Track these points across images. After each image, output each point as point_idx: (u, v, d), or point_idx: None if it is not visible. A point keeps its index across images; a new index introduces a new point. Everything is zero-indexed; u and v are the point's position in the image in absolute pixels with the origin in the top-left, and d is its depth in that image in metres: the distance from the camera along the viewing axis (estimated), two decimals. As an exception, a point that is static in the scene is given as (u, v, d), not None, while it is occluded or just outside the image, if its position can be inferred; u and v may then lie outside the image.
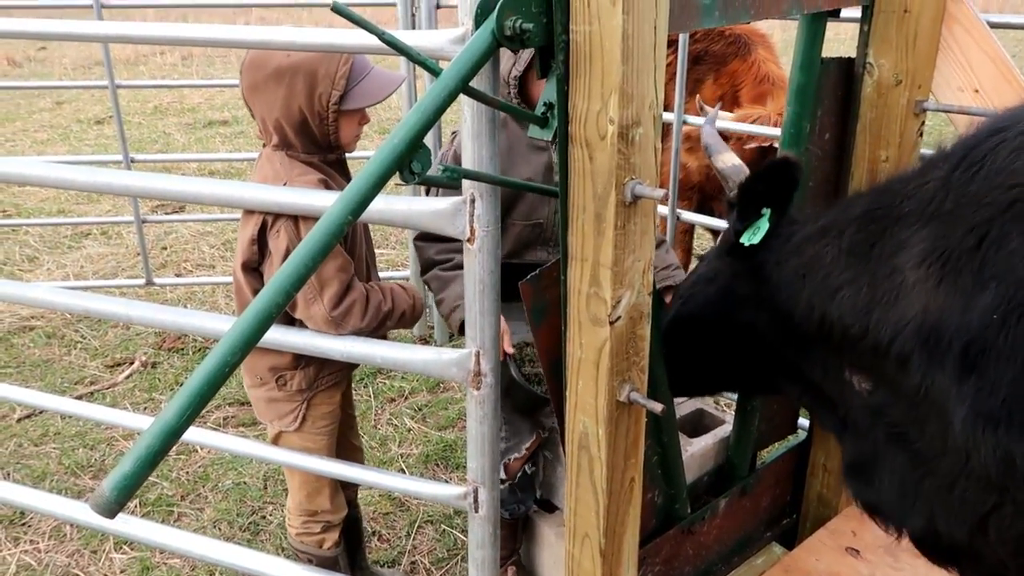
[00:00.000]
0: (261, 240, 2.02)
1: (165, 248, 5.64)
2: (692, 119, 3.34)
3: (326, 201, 1.71)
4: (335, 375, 2.26)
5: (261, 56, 2.00)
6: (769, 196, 1.72)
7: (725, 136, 3.41)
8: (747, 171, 1.92)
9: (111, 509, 1.18)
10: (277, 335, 1.91)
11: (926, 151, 2.36)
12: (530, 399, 2.29)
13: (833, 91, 2.16)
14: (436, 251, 2.33)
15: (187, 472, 3.24)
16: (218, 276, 5.11)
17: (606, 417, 1.59)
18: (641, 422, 1.68)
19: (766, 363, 1.87)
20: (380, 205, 1.68)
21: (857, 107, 2.16)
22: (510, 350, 2.24)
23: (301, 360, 2.17)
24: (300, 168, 2.06)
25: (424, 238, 2.35)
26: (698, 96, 3.61)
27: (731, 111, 3.64)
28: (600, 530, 1.69)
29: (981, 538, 1.39)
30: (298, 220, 1.94)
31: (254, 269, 2.09)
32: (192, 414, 1.22)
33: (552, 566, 2.47)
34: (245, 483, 3.16)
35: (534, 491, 2.49)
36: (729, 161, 1.95)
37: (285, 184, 1.99)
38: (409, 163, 1.38)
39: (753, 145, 3.33)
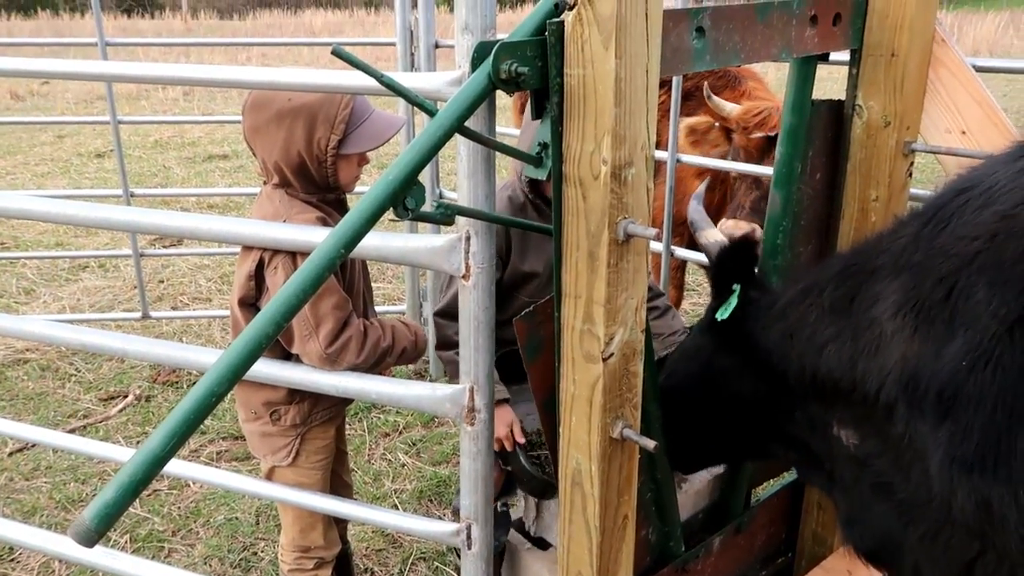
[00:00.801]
0: (259, 276, 2.04)
1: (162, 281, 5.66)
2: (686, 158, 3.38)
3: (323, 238, 1.73)
4: (329, 410, 2.26)
5: (263, 98, 2.03)
6: (736, 272, 1.83)
7: (729, 127, 3.48)
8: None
9: (91, 538, 1.18)
10: (272, 369, 1.92)
11: (915, 191, 2.41)
12: (540, 484, 2.28)
13: (824, 132, 2.20)
14: (455, 331, 2.29)
15: (179, 507, 3.21)
16: (215, 310, 5.11)
17: (599, 454, 1.59)
18: (635, 459, 1.68)
19: (753, 430, 1.90)
20: (376, 241, 1.70)
21: (847, 148, 2.20)
22: (521, 439, 2.26)
23: (296, 395, 2.17)
24: (299, 206, 2.08)
25: (444, 315, 2.34)
26: (704, 85, 3.63)
27: (726, 137, 3.67)
28: (593, 568, 1.69)
29: None
30: (296, 257, 1.95)
31: (251, 305, 2.10)
32: (177, 443, 1.22)
33: (546, 604, 2.44)
34: (237, 518, 3.13)
35: (507, 528, 2.50)
36: (712, 237, 2.04)
37: (284, 222, 2.00)
38: (403, 199, 1.41)
39: (759, 135, 3.37)
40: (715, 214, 4.01)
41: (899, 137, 2.14)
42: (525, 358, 1.73)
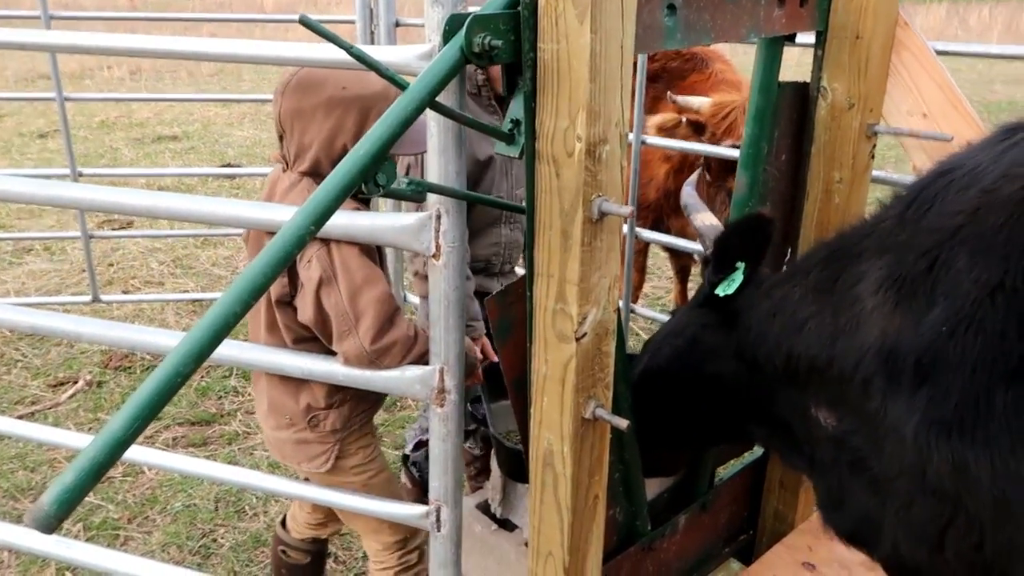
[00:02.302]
0: (291, 272, 1.90)
1: (112, 265, 5.49)
2: (651, 140, 3.38)
3: (361, 221, 1.69)
4: (368, 412, 2.15)
5: (311, 81, 1.90)
6: (743, 250, 1.81)
7: (700, 127, 3.48)
8: (723, 229, 1.99)
9: (50, 524, 1.12)
10: (231, 351, 1.87)
11: (877, 173, 2.44)
12: (519, 463, 2.26)
13: (789, 114, 2.21)
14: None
15: (134, 494, 3.13)
16: (168, 293, 4.99)
17: (571, 434, 1.58)
18: (606, 439, 1.68)
19: (734, 412, 1.90)
20: (344, 220, 1.66)
21: (812, 129, 2.22)
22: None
23: (335, 399, 2.05)
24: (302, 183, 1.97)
25: None
26: (668, 93, 3.64)
27: (686, 130, 3.69)
28: (564, 548, 1.68)
29: (939, 556, 1.42)
30: (330, 246, 1.82)
31: (287, 303, 1.96)
32: (140, 426, 1.17)
33: (513, 586, 2.44)
34: (195, 505, 3.06)
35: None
36: (707, 221, 2.04)
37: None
38: (374, 175, 1.37)
39: (727, 143, 3.38)
40: (664, 217, 4.04)
41: (862, 119, 2.17)
42: (496, 338, 1.71)
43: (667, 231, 3.97)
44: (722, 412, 1.91)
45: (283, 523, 2.45)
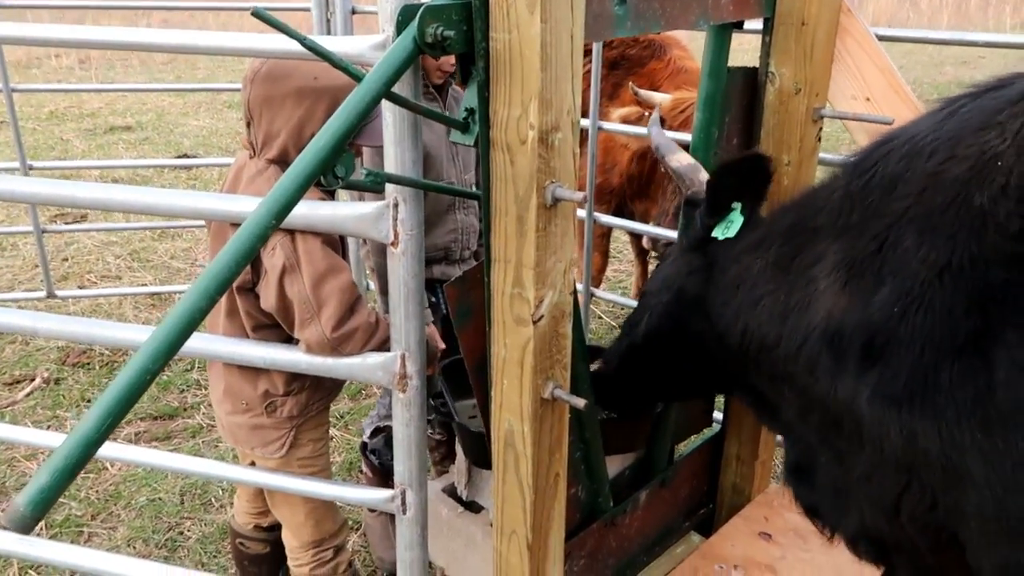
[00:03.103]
0: (254, 259, 1.90)
1: (66, 259, 5.40)
2: (607, 125, 3.43)
3: (326, 211, 1.69)
4: (325, 399, 2.18)
5: (282, 70, 1.91)
6: (741, 190, 1.78)
7: (660, 120, 3.52)
8: (701, 168, 1.96)
9: (26, 525, 1.14)
10: (198, 344, 1.87)
11: (824, 155, 2.51)
12: (484, 447, 2.29)
13: (739, 98, 2.27)
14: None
15: (97, 491, 3.11)
16: (125, 287, 4.92)
17: (531, 414, 1.63)
18: (565, 418, 1.73)
19: (716, 372, 1.90)
20: (304, 210, 1.68)
21: (761, 114, 2.28)
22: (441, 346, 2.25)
23: (294, 386, 2.08)
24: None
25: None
26: (631, 83, 3.68)
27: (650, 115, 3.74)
28: (528, 526, 1.73)
29: (897, 523, 1.48)
30: (294, 235, 1.84)
31: (249, 290, 1.98)
32: (112, 423, 1.19)
33: (480, 566, 2.48)
34: (160, 499, 3.06)
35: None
36: (684, 160, 2.00)
37: None
38: (333, 167, 1.39)
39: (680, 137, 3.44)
40: (642, 190, 4.08)
41: (809, 103, 2.23)
42: (456, 324, 1.74)
43: (630, 215, 4.03)
44: (708, 371, 1.92)
45: (235, 515, 2.47)
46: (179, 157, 7.53)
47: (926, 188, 1.36)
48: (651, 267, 4.68)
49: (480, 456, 2.29)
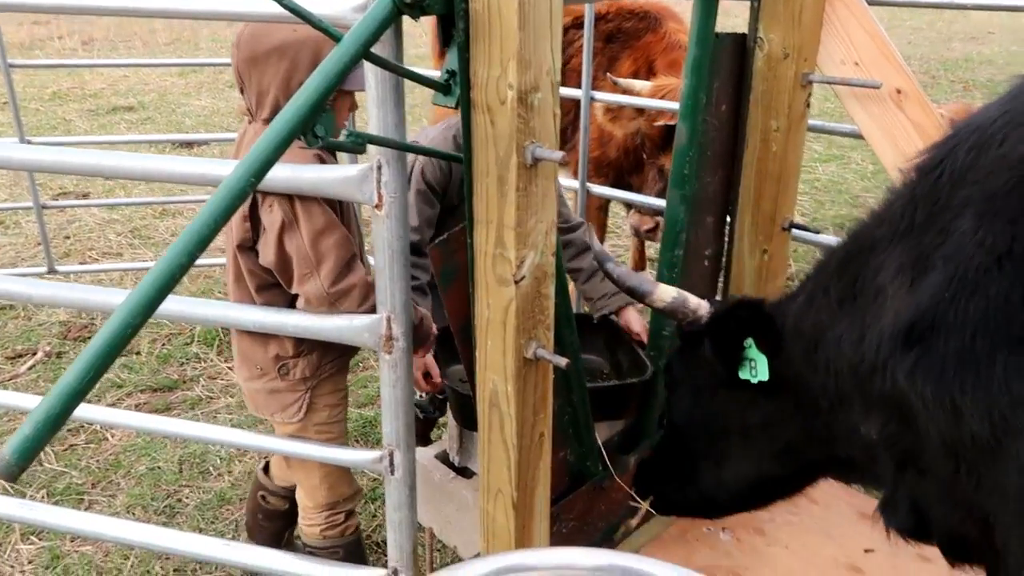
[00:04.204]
0: (253, 216, 1.96)
1: (68, 237, 5.43)
2: (600, 95, 3.42)
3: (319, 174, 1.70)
4: (338, 360, 2.21)
5: (262, 29, 1.94)
6: (745, 329, 1.70)
7: (638, 109, 3.52)
8: (688, 296, 1.84)
9: (12, 473, 1.16)
10: (173, 306, 1.89)
11: (813, 122, 2.51)
12: (464, 403, 2.32)
13: (727, 64, 2.27)
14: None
15: (97, 460, 3.16)
16: (127, 263, 4.95)
17: (514, 374, 1.65)
18: (548, 378, 1.75)
19: (800, 469, 1.85)
20: (287, 173, 1.69)
21: (750, 79, 2.28)
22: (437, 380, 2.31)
23: (303, 347, 2.11)
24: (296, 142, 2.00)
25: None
26: (608, 74, 3.69)
27: (639, 111, 3.74)
28: (512, 484, 1.76)
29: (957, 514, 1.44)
30: (291, 194, 1.88)
31: (250, 248, 2.02)
32: (95, 376, 1.21)
33: (471, 528, 2.52)
34: (159, 468, 3.10)
35: (445, 409, 2.64)
36: (668, 296, 1.85)
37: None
38: (312, 126, 1.40)
39: (662, 123, 3.44)
40: (624, 175, 4.08)
41: (798, 68, 2.23)
42: (440, 285, 1.76)
43: (627, 189, 4.03)
44: (791, 474, 1.85)
45: (265, 469, 2.51)
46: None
47: (991, 172, 1.29)
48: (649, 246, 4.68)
49: (469, 419, 2.32)
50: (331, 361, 2.18)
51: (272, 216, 1.92)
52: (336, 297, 1.92)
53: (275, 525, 2.52)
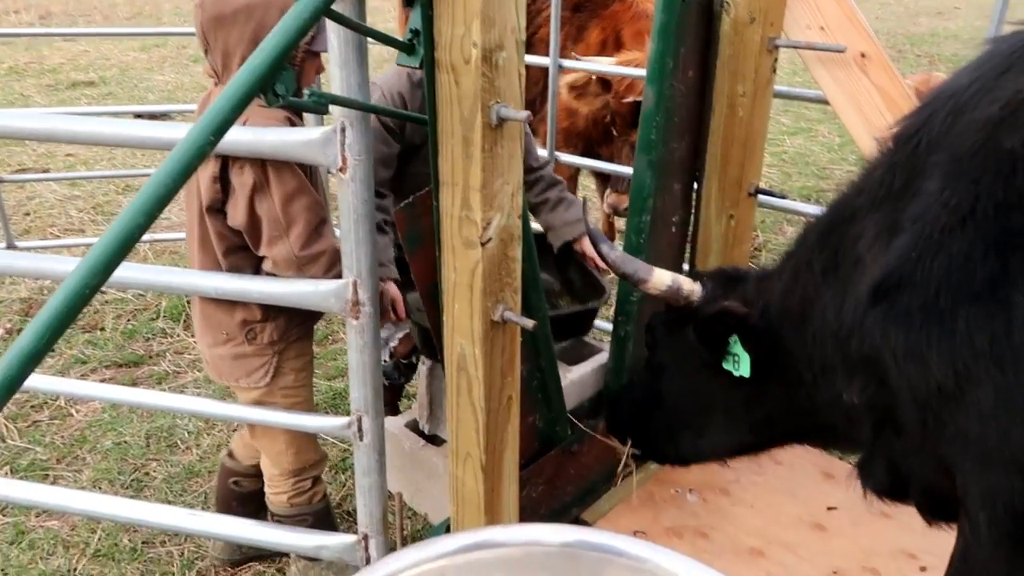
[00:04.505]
0: (224, 178, 1.94)
1: (28, 214, 5.30)
2: (568, 63, 3.41)
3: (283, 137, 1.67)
4: (304, 325, 2.20)
5: None
6: (728, 331, 1.71)
7: (607, 83, 3.51)
8: (682, 282, 1.84)
9: (-32, 437, 1.15)
10: (132, 273, 1.85)
11: (779, 88, 2.52)
12: (424, 332, 2.34)
13: (694, 29, 2.27)
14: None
15: (62, 436, 3.11)
16: (91, 238, 4.85)
17: (481, 336, 1.65)
18: (516, 341, 1.75)
19: (784, 435, 1.90)
20: (249, 136, 1.67)
21: (716, 44, 2.28)
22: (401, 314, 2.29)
23: (271, 312, 2.09)
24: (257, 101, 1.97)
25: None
26: (574, 54, 3.66)
27: (612, 55, 3.73)
28: (481, 448, 1.76)
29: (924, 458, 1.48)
30: None
31: (219, 210, 2.00)
32: (51, 339, 1.18)
33: (442, 495, 2.53)
34: (126, 442, 3.06)
35: (411, 375, 2.74)
36: (663, 284, 1.83)
37: (246, 122, 1.88)
38: (272, 84, 1.38)
39: (630, 99, 3.44)
40: (594, 145, 4.07)
41: (764, 33, 2.24)
42: (407, 249, 1.75)
43: (597, 159, 4.02)
44: (773, 439, 1.91)
45: (230, 455, 2.49)
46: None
47: (960, 135, 1.31)
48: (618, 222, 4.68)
49: (429, 348, 2.37)
50: (298, 325, 2.17)
51: (243, 178, 1.90)
52: (305, 261, 1.92)
53: (248, 510, 2.49)
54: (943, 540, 1.58)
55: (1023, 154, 1.22)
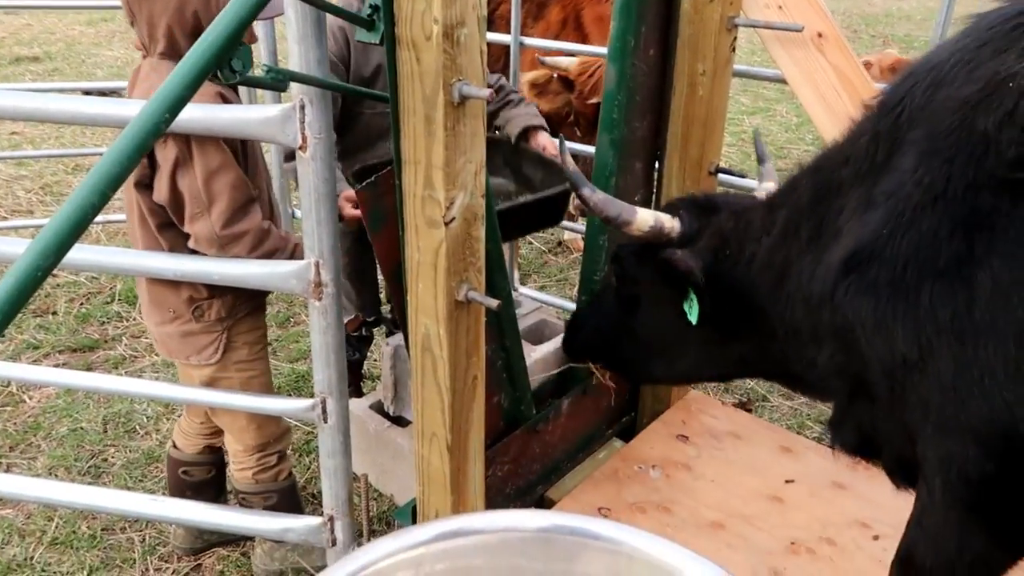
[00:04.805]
0: (150, 154, 1.90)
1: (-27, 195, 5.13)
2: (529, 41, 3.39)
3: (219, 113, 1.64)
4: (253, 301, 2.17)
5: None
6: (689, 281, 1.73)
7: (569, 83, 3.49)
8: (663, 220, 1.82)
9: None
10: (84, 255, 1.81)
11: (738, 66, 2.53)
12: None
13: (656, 8, 2.26)
14: None
15: (15, 423, 3.03)
16: (39, 219, 4.71)
17: (446, 316, 1.64)
18: (481, 321, 1.75)
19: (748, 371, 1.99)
20: (202, 114, 1.62)
21: (677, 23, 2.28)
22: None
23: (217, 289, 2.05)
24: None
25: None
26: (538, 56, 3.63)
27: (573, 37, 3.72)
28: (446, 427, 1.76)
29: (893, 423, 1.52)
30: None
31: (147, 186, 1.96)
32: (4, 322, 1.15)
33: (408, 475, 2.53)
34: (82, 428, 3.00)
35: (364, 350, 2.87)
36: (646, 224, 1.80)
37: None
38: (228, 60, 1.35)
39: (594, 101, 3.43)
40: (558, 127, 4.04)
41: (723, 12, 2.24)
42: (369, 229, 1.73)
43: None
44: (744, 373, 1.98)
45: (175, 445, 2.45)
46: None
47: (938, 112, 1.34)
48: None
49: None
50: (247, 300, 2.15)
51: (166, 152, 1.87)
52: (227, 240, 1.89)
53: (205, 498, 2.46)
54: (896, 510, 1.63)
55: (996, 136, 1.25)
